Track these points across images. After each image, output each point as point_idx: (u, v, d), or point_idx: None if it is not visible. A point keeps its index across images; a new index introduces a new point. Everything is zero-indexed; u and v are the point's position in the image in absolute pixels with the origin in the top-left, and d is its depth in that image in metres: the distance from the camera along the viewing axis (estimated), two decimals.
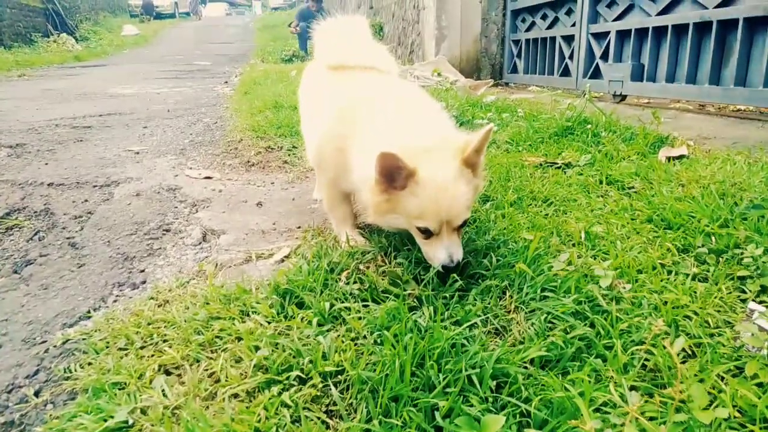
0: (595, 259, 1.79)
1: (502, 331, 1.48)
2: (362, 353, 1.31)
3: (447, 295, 1.56)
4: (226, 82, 9.19)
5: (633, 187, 2.38)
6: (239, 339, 1.48)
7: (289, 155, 3.59)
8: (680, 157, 2.72)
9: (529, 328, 1.46)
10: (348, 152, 1.81)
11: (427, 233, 1.62)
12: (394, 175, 1.56)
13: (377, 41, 2.39)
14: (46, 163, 3.61)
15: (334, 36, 2.33)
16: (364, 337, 1.38)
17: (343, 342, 1.36)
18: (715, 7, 4.00)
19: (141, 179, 3.20)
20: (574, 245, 1.90)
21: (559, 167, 2.80)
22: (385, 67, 2.25)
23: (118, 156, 3.81)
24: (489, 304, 1.54)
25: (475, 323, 1.45)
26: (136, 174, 3.31)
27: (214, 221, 2.49)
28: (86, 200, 2.90)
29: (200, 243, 2.32)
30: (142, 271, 2.12)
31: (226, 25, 29.75)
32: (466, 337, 1.38)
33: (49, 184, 3.15)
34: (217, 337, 1.52)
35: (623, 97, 5.07)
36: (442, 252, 1.61)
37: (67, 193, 3.03)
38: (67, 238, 2.46)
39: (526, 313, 1.53)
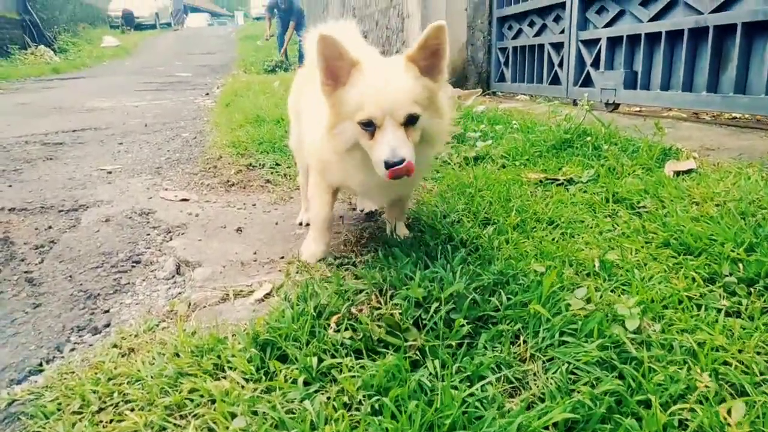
0: (614, 293, 1.60)
1: (518, 386, 1.28)
2: (358, 424, 1.10)
3: (453, 343, 1.36)
4: (207, 94, 8.96)
5: (644, 206, 2.21)
6: (213, 401, 1.27)
7: (271, 173, 3.38)
8: (688, 171, 2.55)
9: (549, 382, 1.26)
10: None
11: (370, 126, 1.57)
12: (337, 71, 1.60)
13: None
14: (10, 185, 3.36)
15: None
16: (360, 402, 1.17)
17: (334, 409, 1.15)
18: (711, 12, 3.87)
19: (112, 202, 2.97)
20: (588, 275, 1.72)
21: (560, 184, 2.62)
22: None
23: (89, 176, 3.57)
24: (501, 352, 1.35)
25: (488, 378, 1.25)
26: (107, 196, 3.08)
27: (189, 250, 2.27)
28: (50, 227, 2.66)
29: (173, 276, 2.10)
30: (107, 311, 1.90)
31: (208, 35, 29.48)
32: (480, 399, 1.18)
33: (10, 209, 2.91)
34: (187, 398, 1.30)
35: (616, 106, 4.93)
36: (384, 146, 1.53)
37: (29, 219, 2.78)
38: (25, 272, 2.22)
39: (544, 362, 1.33)
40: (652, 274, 1.69)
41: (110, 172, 3.68)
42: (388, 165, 1.52)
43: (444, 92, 1.70)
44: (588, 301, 1.52)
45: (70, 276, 2.16)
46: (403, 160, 1.51)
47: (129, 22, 29.20)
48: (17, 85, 12.44)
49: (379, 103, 1.54)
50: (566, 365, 1.29)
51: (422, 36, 1.56)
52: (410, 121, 1.57)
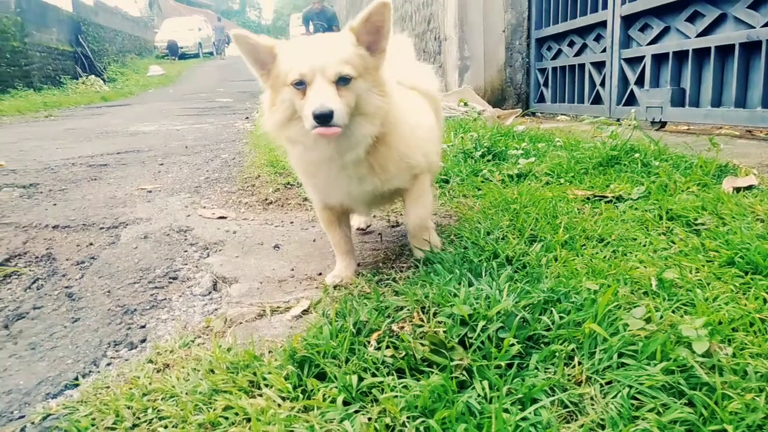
0: (675, 313, 1.48)
1: (574, 411, 1.17)
2: None
3: (502, 363, 1.27)
4: (247, 118, 9.10)
5: (703, 224, 2.07)
6: (248, 420, 1.21)
7: None
8: (749, 187, 2.41)
9: (609, 407, 1.16)
10: None
11: (301, 84, 1.58)
12: (261, 59, 1.69)
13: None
14: (55, 204, 3.42)
15: None
16: (403, 424, 1.08)
17: (376, 431, 1.07)
18: (764, 26, 3.71)
19: (150, 220, 2.98)
20: (645, 294, 1.60)
21: (609, 201, 2.50)
22: (425, 88, 2.20)
23: (130, 195, 3.61)
24: (555, 374, 1.24)
25: (542, 402, 1.15)
26: (146, 214, 3.09)
27: (226, 267, 2.24)
28: (91, 244, 2.68)
29: (210, 293, 2.07)
30: (143, 326, 1.87)
31: None
32: (533, 423, 1.08)
33: (54, 227, 2.95)
34: (221, 416, 1.24)
35: (662, 124, 4.77)
36: (311, 99, 1.54)
37: (71, 236, 2.81)
38: (66, 287, 2.22)
39: (601, 385, 1.22)
40: (717, 294, 1.57)
41: (150, 191, 3.72)
42: (315, 116, 1.51)
43: (381, 72, 1.71)
44: (647, 321, 1.41)
45: (109, 291, 2.15)
46: (331, 112, 1.51)
47: (173, 52, 30.24)
48: (68, 112, 12.93)
49: (308, 60, 1.58)
50: (627, 389, 1.18)
51: (366, 11, 1.59)
52: (342, 81, 1.58)
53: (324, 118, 1.51)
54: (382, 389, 1.20)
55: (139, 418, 1.32)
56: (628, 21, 5.23)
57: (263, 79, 1.73)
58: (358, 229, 2.61)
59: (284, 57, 1.66)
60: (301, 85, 1.60)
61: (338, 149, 1.68)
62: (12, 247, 2.69)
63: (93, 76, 20.34)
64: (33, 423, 1.40)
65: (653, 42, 4.87)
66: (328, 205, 1.97)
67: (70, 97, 16.44)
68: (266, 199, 3.31)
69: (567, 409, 1.16)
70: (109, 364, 1.67)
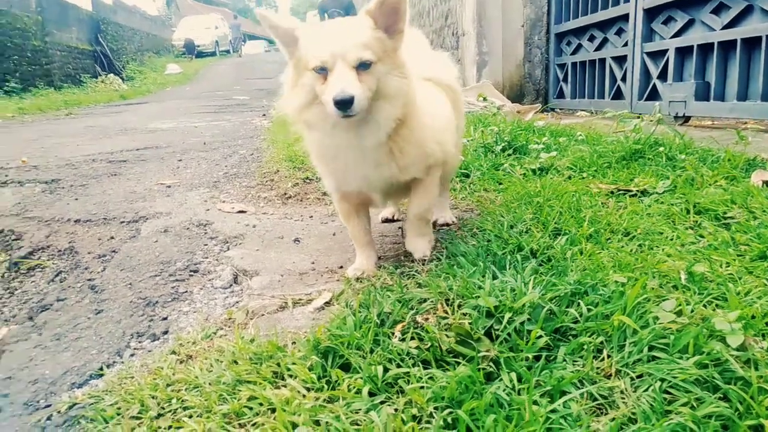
0: (706, 307, 1.45)
1: (604, 404, 1.15)
2: None
3: (529, 355, 1.25)
4: (264, 115, 9.13)
5: (732, 217, 2.03)
6: (272, 410, 1.20)
7: None
8: None
9: (640, 401, 1.13)
10: None
11: (323, 70, 1.59)
12: (285, 38, 1.70)
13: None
14: (77, 199, 3.46)
15: None
16: (431, 415, 1.07)
17: (403, 422, 1.06)
18: None
19: (170, 214, 2.99)
20: (675, 288, 1.56)
21: (633, 195, 2.46)
22: (440, 77, 2.18)
23: (150, 190, 3.63)
24: (583, 367, 1.22)
25: (571, 394, 1.13)
26: (166, 209, 3.11)
27: (246, 260, 2.24)
28: (112, 237, 2.69)
29: (230, 285, 2.07)
30: (165, 318, 1.87)
31: (265, 61, 30.34)
32: (563, 416, 1.06)
33: (76, 221, 2.97)
34: (245, 406, 1.23)
35: (686, 119, 4.69)
36: (333, 85, 1.55)
37: (93, 230, 2.84)
38: (88, 280, 2.24)
39: (632, 378, 1.19)
40: (750, 288, 1.52)
41: (170, 186, 3.74)
42: (336, 101, 1.52)
43: (400, 53, 1.70)
44: (678, 314, 1.38)
45: (130, 284, 2.16)
46: (352, 98, 1.52)
47: (190, 50, 30.46)
48: (87, 110, 13.08)
49: (329, 47, 1.58)
50: (659, 383, 1.15)
51: None
52: (362, 66, 1.58)
53: (345, 104, 1.52)
54: (408, 380, 1.19)
55: (163, 408, 1.32)
56: (651, 14, 5.14)
57: (288, 54, 1.75)
58: (384, 220, 2.59)
59: (305, 41, 1.66)
60: (322, 70, 1.60)
61: (360, 134, 1.68)
62: (35, 241, 2.72)
63: (112, 74, 20.56)
64: (59, 412, 1.41)
65: (677, 35, 4.79)
66: (345, 194, 1.96)
67: (89, 96, 16.63)
68: (285, 194, 3.31)
69: (596, 402, 1.14)
70: (132, 355, 1.67)
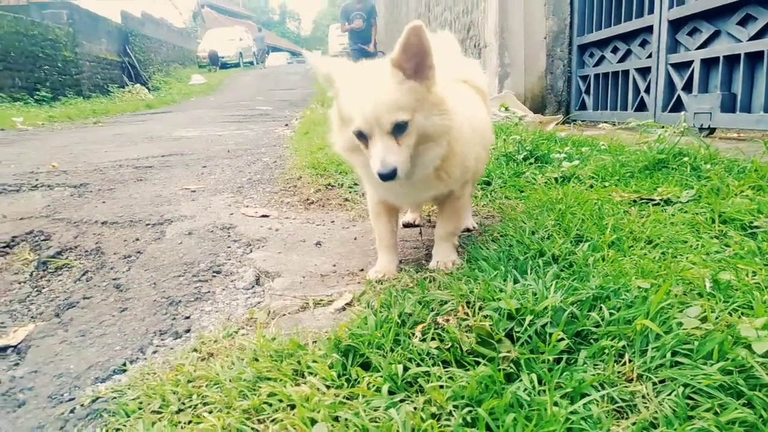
0: (732, 315, 1.42)
1: (624, 408, 1.14)
2: None
3: (550, 358, 1.24)
4: (287, 125, 9.23)
5: (759, 227, 2.00)
6: (292, 407, 1.21)
7: (350, 192, 3.37)
8: None
9: (662, 405, 1.12)
10: None
11: (363, 137, 1.60)
12: (327, 82, 1.72)
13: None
14: (104, 202, 3.53)
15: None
16: (450, 413, 1.07)
17: (422, 419, 1.06)
18: None
19: (195, 217, 3.04)
20: (700, 296, 1.54)
21: (657, 204, 2.44)
22: (474, 80, 2.25)
23: (174, 194, 3.69)
24: (604, 370, 1.21)
25: (592, 398, 1.12)
26: (191, 212, 3.16)
27: (268, 262, 2.26)
28: (137, 239, 2.74)
29: (253, 287, 2.09)
30: (187, 317, 1.90)
31: (288, 72, 30.69)
32: (583, 417, 1.05)
33: (103, 223, 3.03)
34: (265, 402, 1.25)
35: (711, 131, 4.62)
36: (374, 159, 1.56)
37: (119, 232, 2.89)
38: (113, 279, 2.28)
39: (654, 383, 1.18)
40: None
41: (194, 191, 3.80)
42: (381, 176, 1.55)
43: (436, 90, 1.65)
44: (703, 320, 1.36)
45: (154, 283, 2.20)
46: (395, 170, 1.54)
47: (214, 61, 30.94)
48: (114, 119, 13.35)
49: (364, 116, 1.56)
50: (682, 389, 1.14)
51: (402, 38, 1.53)
52: (399, 128, 1.56)
53: (387, 177, 1.55)
54: (428, 379, 1.19)
55: (184, 403, 1.33)
56: (676, 25, 5.10)
57: (331, 93, 1.76)
58: (405, 224, 2.60)
59: (341, 92, 1.68)
60: (362, 136, 1.61)
61: (408, 175, 1.68)
62: (63, 241, 2.79)
63: (138, 84, 20.97)
64: (83, 405, 1.44)
65: (702, 46, 4.74)
66: (382, 200, 2.00)
67: (116, 105, 16.97)
68: (308, 199, 3.34)
69: (617, 405, 1.13)
70: (155, 352, 1.70)
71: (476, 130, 1.94)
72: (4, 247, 2.77)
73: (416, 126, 1.60)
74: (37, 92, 14.79)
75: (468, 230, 2.42)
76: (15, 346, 1.85)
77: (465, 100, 1.97)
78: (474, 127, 1.91)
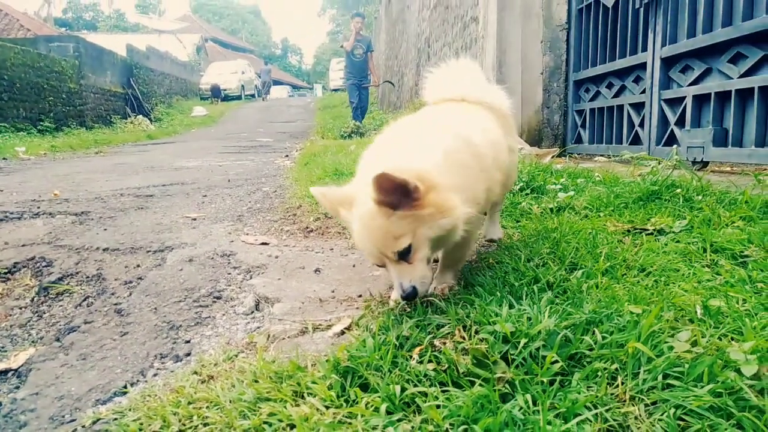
0: (722, 340, 1.46)
1: (617, 429, 1.16)
2: None
3: (544, 379, 1.27)
4: (287, 156, 9.34)
5: (749, 256, 2.04)
6: (292, 426, 1.23)
7: None
8: None
9: (654, 426, 1.14)
10: None
11: (381, 266, 1.71)
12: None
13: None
14: (105, 229, 3.57)
15: (447, 75, 2.45)
16: (446, 431, 1.09)
17: None
18: None
19: (195, 245, 3.08)
20: (691, 321, 1.58)
21: (650, 233, 2.48)
22: (502, 106, 2.36)
23: (175, 222, 3.74)
24: (597, 392, 1.24)
25: (585, 417, 1.14)
26: (191, 239, 3.20)
27: (268, 288, 2.29)
28: (138, 265, 2.78)
29: (252, 312, 2.12)
30: (188, 341, 1.92)
31: (289, 105, 31.15)
32: None
33: (104, 249, 3.07)
34: (265, 422, 1.27)
35: (704, 164, 4.71)
36: (395, 287, 1.65)
37: (120, 258, 2.93)
38: (114, 305, 2.31)
39: (646, 405, 1.21)
40: (766, 323, 1.53)
41: (194, 219, 3.85)
42: (404, 300, 1.66)
43: (433, 197, 1.59)
44: (693, 344, 1.39)
45: (155, 308, 2.22)
46: (414, 290, 1.62)
47: (216, 94, 31.39)
48: (116, 149, 13.50)
49: (370, 255, 1.69)
50: (674, 410, 1.16)
51: (373, 184, 1.50)
52: (404, 252, 1.61)
53: (411, 298, 1.64)
54: (425, 399, 1.21)
55: (184, 424, 1.35)
56: (669, 62, 5.23)
57: None
58: None
59: (349, 227, 1.79)
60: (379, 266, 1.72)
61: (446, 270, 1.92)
62: (65, 267, 2.82)
63: (141, 116, 21.25)
64: (84, 426, 1.46)
65: (694, 83, 4.86)
66: None
67: (118, 135, 17.16)
68: (307, 228, 3.39)
69: (609, 425, 1.15)
70: (155, 375, 1.72)
71: (484, 170, 1.91)
72: (6, 272, 2.80)
73: (422, 240, 1.61)
74: (41, 122, 14.99)
75: (493, 240, 2.51)
76: (16, 370, 1.87)
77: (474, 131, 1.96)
78: (483, 167, 1.89)
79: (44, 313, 2.40)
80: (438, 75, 2.46)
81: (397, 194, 1.54)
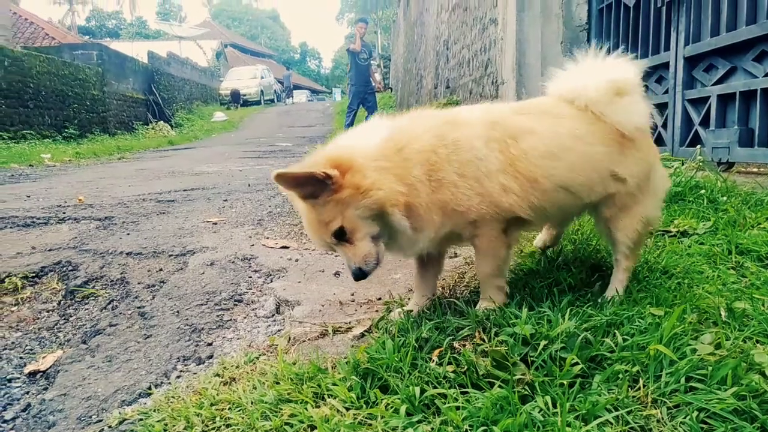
0: (746, 342, 1.44)
1: None
2: None
3: (564, 381, 1.26)
4: None
5: None
6: (312, 427, 1.24)
7: None
8: None
9: (676, 429, 1.13)
10: None
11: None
12: None
13: None
14: (128, 234, 3.63)
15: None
16: None
17: None
18: None
19: (216, 249, 3.12)
20: (715, 324, 1.55)
21: (673, 235, 2.45)
22: (617, 120, 2.03)
23: (197, 227, 3.79)
24: (618, 394, 1.23)
25: (606, 420, 1.13)
26: (212, 243, 3.24)
27: (288, 291, 2.31)
28: (161, 269, 2.82)
29: (273, 315, 2.14)
30: (210, 344, 1.95)
31: (308, 110, 31.30)
32: None
33: (127, 254, 3.12)
34: (287, 423, 1.28)
35: (729, 165, 4.62)
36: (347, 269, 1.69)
37: (143, 263, 2.97)
38: (138, 308, 2.35)
39: (668, 408, 1.20)
40: None
41: (215, 224, 3.89)
42: (355, 278, 1.66)
43: (351, 179, 1.56)
44: (717, 347, 1.37)
45: (178, 312, 2.26)
46: (359, 269, 1.63)
47: (236, 99, 31.71)
48: (138, 155, 13.71)
49: (314, 243, 1.73)
50: (696, 413, 1.15)
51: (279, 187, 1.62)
52: (340, 234, 1.60)
53: (360, 277, 1.65)
54: (444, 401, 1.22)
55: (207, 425, 1.37)
56: (692, 62, 5.16)
57: None
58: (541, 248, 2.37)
59: None
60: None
61: (406, 250, 1.75)
62: (90, 271, 2.87)
63: (162, 121, 21.54)
64: (110, 426, 1.49)
65: (719, 82, 4.78)
66: None
67: (140, 141, 17.42)
68: None
69: (630, 427, 1.14)
70: (179, 377, 1.75)
71: (470, 177, 1.68)
72: (33, 276, 2.86)
73: (354, 220, 1.59)
74: (66, 129, 15.28)
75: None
76: (44, 371, 1.91)
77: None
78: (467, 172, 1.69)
79: (71, 316, 2.45)
80: (573, 71, 2.17)
81: (309, 186, 1.57)
